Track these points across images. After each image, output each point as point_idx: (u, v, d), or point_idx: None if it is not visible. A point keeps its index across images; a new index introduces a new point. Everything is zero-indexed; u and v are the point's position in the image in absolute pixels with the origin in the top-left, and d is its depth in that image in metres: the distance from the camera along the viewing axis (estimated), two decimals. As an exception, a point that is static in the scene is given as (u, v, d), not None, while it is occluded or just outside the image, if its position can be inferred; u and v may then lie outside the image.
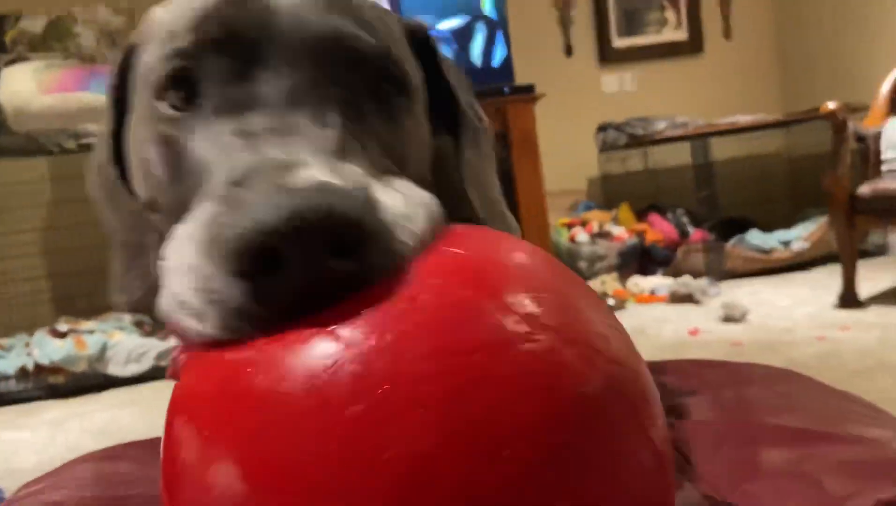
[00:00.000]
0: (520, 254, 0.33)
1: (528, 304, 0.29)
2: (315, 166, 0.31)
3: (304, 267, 0.27)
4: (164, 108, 0.39)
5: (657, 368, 0.71)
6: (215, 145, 0.36)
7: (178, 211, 0.37)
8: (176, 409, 0.30)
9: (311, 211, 0.27)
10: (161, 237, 0.42)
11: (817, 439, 0.46)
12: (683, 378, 0.66)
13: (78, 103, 2.47)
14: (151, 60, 0.41)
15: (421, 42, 0.49)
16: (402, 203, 0.33)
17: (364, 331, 0.27)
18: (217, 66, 0.37)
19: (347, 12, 0.40)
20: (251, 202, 0.28)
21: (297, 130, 0.34)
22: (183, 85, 0.39)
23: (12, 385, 2.31)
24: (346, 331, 0.27)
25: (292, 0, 0.39)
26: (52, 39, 3.39)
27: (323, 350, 0.27)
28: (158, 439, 0.57)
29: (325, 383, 0.26)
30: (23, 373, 2.31)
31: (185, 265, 0.30)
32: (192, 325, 0.30)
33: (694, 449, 0.50)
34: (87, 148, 2.54)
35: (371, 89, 0.40)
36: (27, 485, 0.46)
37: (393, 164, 0.41)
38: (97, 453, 0.51)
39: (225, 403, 0.27)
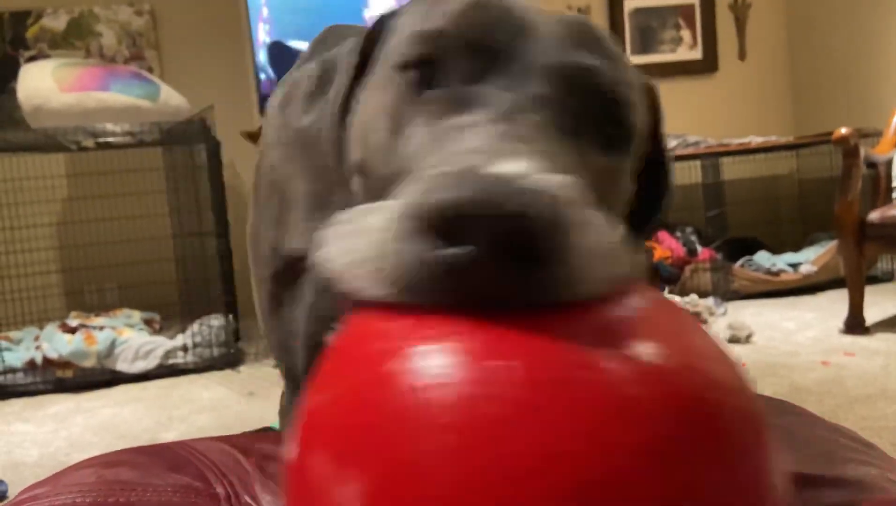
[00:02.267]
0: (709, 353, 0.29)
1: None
2: (523, 159, 0.30)
3: (483, 249, 0.26)
4: (405, 83, 0.41)
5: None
6: (432, 136, 0.37)
7: (385, 183, 0.38)
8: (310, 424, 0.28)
9: (504, 196, 0.26)
10: (354, 200, 0.43)
11: (809, 483, 0.47)
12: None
13: (97, 103, 2.50)
14: (402, 37, 0.43)
15: (651, 99, 0.48)
16: (607, 241, 0.30)
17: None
18: (458, 61, 0.39)
19: (596, 48, 0.41)
20: (447, 179, 0.28)
21: (511, 134, 0.34)
22: (424, 67, 0.40)
23: (20, 378, 2.34)
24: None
25: (548, 27, 0.40)
26: (74, 38, 3.44)
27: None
28: (161, 445, 0.58)
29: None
30: (31, 366, 2.34)
31: (371, 226, 0.30)
32: (366, 282, 0.29)
33: None
34: (105, 147, 2.57)
35: (598, 128, 0.40)
36: (29, 488, 0.47)
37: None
38: (99, 457, 0.52)
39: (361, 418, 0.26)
